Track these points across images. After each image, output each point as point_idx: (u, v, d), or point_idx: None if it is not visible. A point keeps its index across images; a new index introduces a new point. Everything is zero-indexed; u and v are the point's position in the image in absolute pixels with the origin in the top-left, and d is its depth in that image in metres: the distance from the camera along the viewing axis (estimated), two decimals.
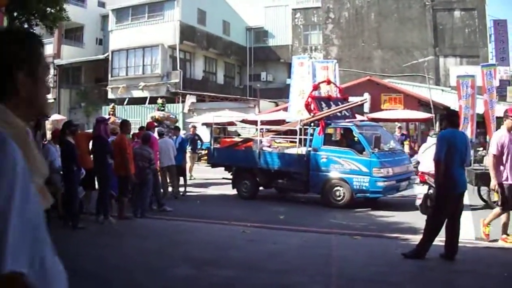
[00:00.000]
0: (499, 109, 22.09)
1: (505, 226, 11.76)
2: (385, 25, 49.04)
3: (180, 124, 31.89)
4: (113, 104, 40.76)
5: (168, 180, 19.68)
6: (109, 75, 50.69)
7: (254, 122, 28.99)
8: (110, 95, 49.80)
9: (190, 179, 24.84)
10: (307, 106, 19.44)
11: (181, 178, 20.96)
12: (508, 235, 11.74)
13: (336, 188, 17.84)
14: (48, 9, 18.37)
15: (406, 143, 31.06)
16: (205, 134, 29.77)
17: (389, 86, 39.46)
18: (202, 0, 52.29)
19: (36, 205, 2.05)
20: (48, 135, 21.79)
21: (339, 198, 17.75)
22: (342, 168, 17.84)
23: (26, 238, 1.93)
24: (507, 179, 11.29)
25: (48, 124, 26.77)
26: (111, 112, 32.84)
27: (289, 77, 29.81)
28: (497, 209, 12.07)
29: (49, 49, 50.28)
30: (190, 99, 44.12)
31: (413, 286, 8.68)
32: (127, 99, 47.82)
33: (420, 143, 33.95)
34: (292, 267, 9.51)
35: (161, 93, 45.95)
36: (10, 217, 1.87)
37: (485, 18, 47.28)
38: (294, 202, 19.69)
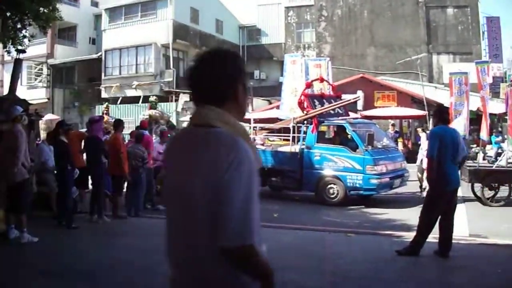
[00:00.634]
0: (492, 106, 22.16)
1: None
2: (378, 22, 49.17)
3: (174, 123, 31.85)
4: (107, 103, 40.72)
5: None
6: (103, 75, 50.59)
7: (247, 120, 28.99)
8: (104, 95, 49.70)
9: None
10: (300, 104, 19.47)
11: None
12: None
13: (329, 186, 17.88)
14: (41, 8, 18.36)
15: (399, 140, 31.16)
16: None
17: (382, 83, 39.59)
18: None
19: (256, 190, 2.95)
20: (42, 134, 21.78)
21: (332, 196, 17.79)
22: (336, 165, 17.87)
23: (257, 217, 2.92)
24: None
25: (41, 124, 26.69)
26: (105, 111, 32.81)
27: (282, 75, 29.76)
28: None
29: (42, 49, 50.31)
30: (184, 98, 44.07)
31: (407, 283, 8.70)
32: (120, 98, 47.74)
33: (414, 141, 34.09)
34: (286, 264, 9.50)
35: (155, 92, 45.88)
36: (253, 202, 2.88)
37: (478, 15, 47.53)
38: (288, 200, 19.68)
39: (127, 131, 21.06)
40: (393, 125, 32.47)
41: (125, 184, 15.59)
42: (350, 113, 22.38)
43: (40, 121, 24.11)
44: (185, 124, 29.57)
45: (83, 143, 15.01)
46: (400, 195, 19.26)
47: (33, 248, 10.88)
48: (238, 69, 3.06)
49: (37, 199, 14.29)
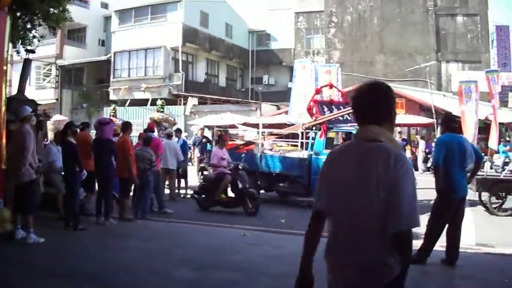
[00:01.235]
0: (500, 115, 22.08)
1: None
2: (387, 29, 49.07)
3: (181, 127, 31.87)
4: (114, 105, 40.82)
5: (166, 183, 19.71)
6: (111, 76, 50.81)
7: (255, 125, 28.97)
8: (112, 96, 49.89)
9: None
10: (309, 109, 19.42)
11: (182, 180, 21.04)
12: None
13: None
14: (51, 9, 18.38)
15: (407, 148, 31.09)
16: (196, 135, 29.78)
17: None
18: (205, 3, 52.40)
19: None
20: (50, 135, 21.77)
21: None
22: None
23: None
24: None
25: (49, 125, 26.70)
26: (112, 114, 32.86)
27: (291, 80, 29.67)
28: None
29: (51, 50, 50.42)
30: (192, 101, 44.17)
31: None
32: (128, 101, 47.90)
33: (423, 148, 33.94)
34: (293, 271, 9.42)
35: (163, 95, 46.04)
36: (416, 195, 3.71)
37: (488, 23, 47.36)
38: (295, 206, 19.62)
39: (134, 133, 21.08)
40: (400, 132, 32.41)
41: (132, 187, 15.58)
42: None
43: (48, 122, 24.13)
44: (193, 128, 29.60)
45: (91, 145, 14.94)
46: None
47: (39, 248, 10.86)
48: (393, 99, 4.03)
49: (44, 200, 14.28)
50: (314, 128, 19.22)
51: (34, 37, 19.68)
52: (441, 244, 10.10)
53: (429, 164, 29.77)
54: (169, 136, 19.70)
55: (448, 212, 10.01)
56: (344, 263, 3.93)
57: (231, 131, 31.38)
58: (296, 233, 13.63)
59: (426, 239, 10.18)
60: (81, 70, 55.47)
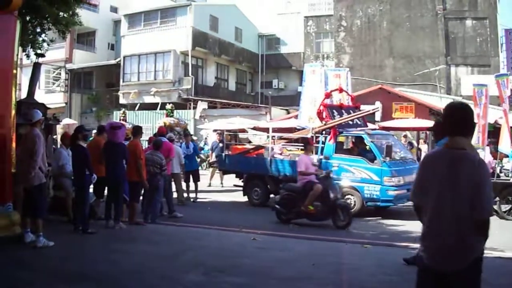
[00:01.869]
0: (509, 119, 22.03)
1: None
2: (397, 33, 48.98)
3: (191, 130, 31.96)
4: (124, 109, 40.90)
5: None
6: (121, 80, 50.87)
7: (265, 130, 28.93)
8: (122, 100, 49.94)
9: (208, 186, 25.17)
10: (319, 114, 19.44)
11: (190, 184, 21.12)
12: None
13: (347, 197, 17.71)
14: (61, 13, 18.38)
15: (413, 151, 31.02)
16: (214, 140, 29.83)
17: (401, 94, 39.39)
18: (214, 7, 52.61)
19: None
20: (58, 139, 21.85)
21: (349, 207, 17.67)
22: (353, 176, 17.82)
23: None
24: None
25: (59, 128, 26.80)
26: (122, 118, 32.93)
27: (301, 84, 29.67)
28: None
29: (61, 54, 50.50)
30: (202, 105, 44.15)
31: None
32: (138, 105, 47.87)
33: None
34: (302, 275, 9.49)
35: (173, 99, 46.11)
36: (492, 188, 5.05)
37: (497, 27, 47.20)
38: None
39: (144, 137, 21.12)
40: (405, 136, 32.31)
41: (142, 191, 15.58)
42: (368, 124, 22.28)
43: (58, 126, 24.20)
44: (203, 132, 29.65)
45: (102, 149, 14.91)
46: None
47: (48, 252, 10.86)
48: (473, 117, 5.29)
49: (54, 204, 14.32)
50: (324, 132, 19.21)
51: (43, 41, 19.69)
52: None
53: None
54: (170, 141, 19.68)
55: None
56: (438, 243, 4.98)
57: (241, 135, 31.33)
58: (304, 237, 13.68)
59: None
60: (90, 74, 55.60)
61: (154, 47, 48.59)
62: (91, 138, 18.49)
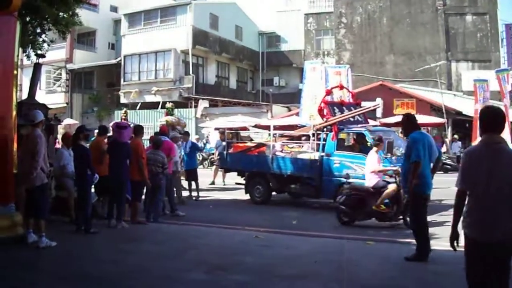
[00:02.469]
0: (510, 114, 21.97)
1: None
2: (397, 30, 49.03)
3: (193, 129, 31.94)
4: (125, 109, 40.89)
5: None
6: (122, 80, 50.94)
7: (266, 127, 28.94)
8: (123, 100, 49.99)
9: (210, 184, 25.16)
10: (320, 111, 19.39)
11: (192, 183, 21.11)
12: None
13: None
14: (61, 14, 18.37)
15: None
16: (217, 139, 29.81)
17: (402, 91, 39.44)
18: (214, 5, 52.56)
19: None
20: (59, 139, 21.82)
21: None
22: (355, 173, 17.73)
23: None
24: None
25: (60, 129, 26.76)
26: (123, 117, 32.91)
27: (302, 82, 29.64)
28: None
29: (61, 54, 50.50)
30: (203, 104, 44.20)
31: None
32: (139, 104, 47.89)
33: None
34: (305, 272, 9.48)
35: (174, 98, 46.10)
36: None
37: (497, 22, 47.27)
38: (307, 207, 19.67)
39: (145, 136, 21.11)
40: (402, 132, 32.29)
41: (144, 190, 15.56)
42: (369, 120, 22.23)
43: (59, 126, 24.19)
44: (204, 130, 29.58)
45: (106, 147, 14.89)
46: None
47: (51, 252, 10.87)
48: (505, 117, 6.14)
49: (56, 204, 14.31)
50: (325, 129, 19.18)
51: (44, 41, 19.69)
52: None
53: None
54: (175, 140, 19.61)
55: (424, 207, 10.39)
56: (483, 219, 5.83)
57: (242, 133, 31.30)
58: (307, 234, 13.66)
59: (415, 237, 10.56)
60: (91, 73, 55.64)
61: (154, 46, 48.64)
62: (93, 138, 18.46)
